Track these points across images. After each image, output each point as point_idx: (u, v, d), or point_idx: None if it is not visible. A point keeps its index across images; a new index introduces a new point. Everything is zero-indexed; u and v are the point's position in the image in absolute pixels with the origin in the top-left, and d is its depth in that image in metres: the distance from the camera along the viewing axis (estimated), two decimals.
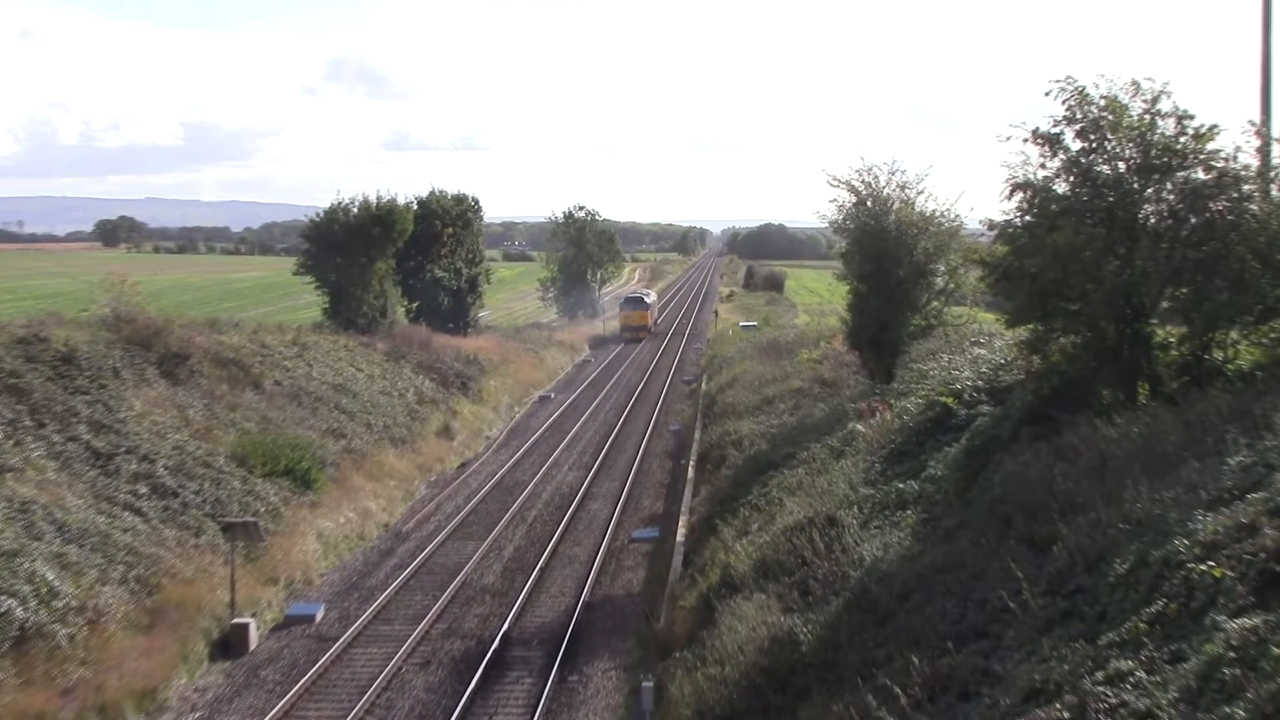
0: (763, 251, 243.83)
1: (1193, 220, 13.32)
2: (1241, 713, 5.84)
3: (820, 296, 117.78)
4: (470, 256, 57.30)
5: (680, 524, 23.86)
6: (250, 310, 75.62)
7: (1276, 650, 6.18)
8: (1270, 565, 7.17)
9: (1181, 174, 13.37)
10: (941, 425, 17.43)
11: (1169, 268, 13.29)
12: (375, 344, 40.15)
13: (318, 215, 45.88)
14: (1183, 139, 13.38)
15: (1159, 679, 6.73)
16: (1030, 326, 15.13)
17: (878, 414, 21.02)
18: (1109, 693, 6.86)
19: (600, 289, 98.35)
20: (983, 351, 20.94)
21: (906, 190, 26.02)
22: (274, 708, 15.76)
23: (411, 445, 32.39)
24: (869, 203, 26.12)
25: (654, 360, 60.40)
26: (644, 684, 14.88)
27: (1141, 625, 7.51)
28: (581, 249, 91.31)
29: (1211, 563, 7.58)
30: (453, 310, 55.39)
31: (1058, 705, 7.12)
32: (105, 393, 23.26)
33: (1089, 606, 8.49)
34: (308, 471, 25.15)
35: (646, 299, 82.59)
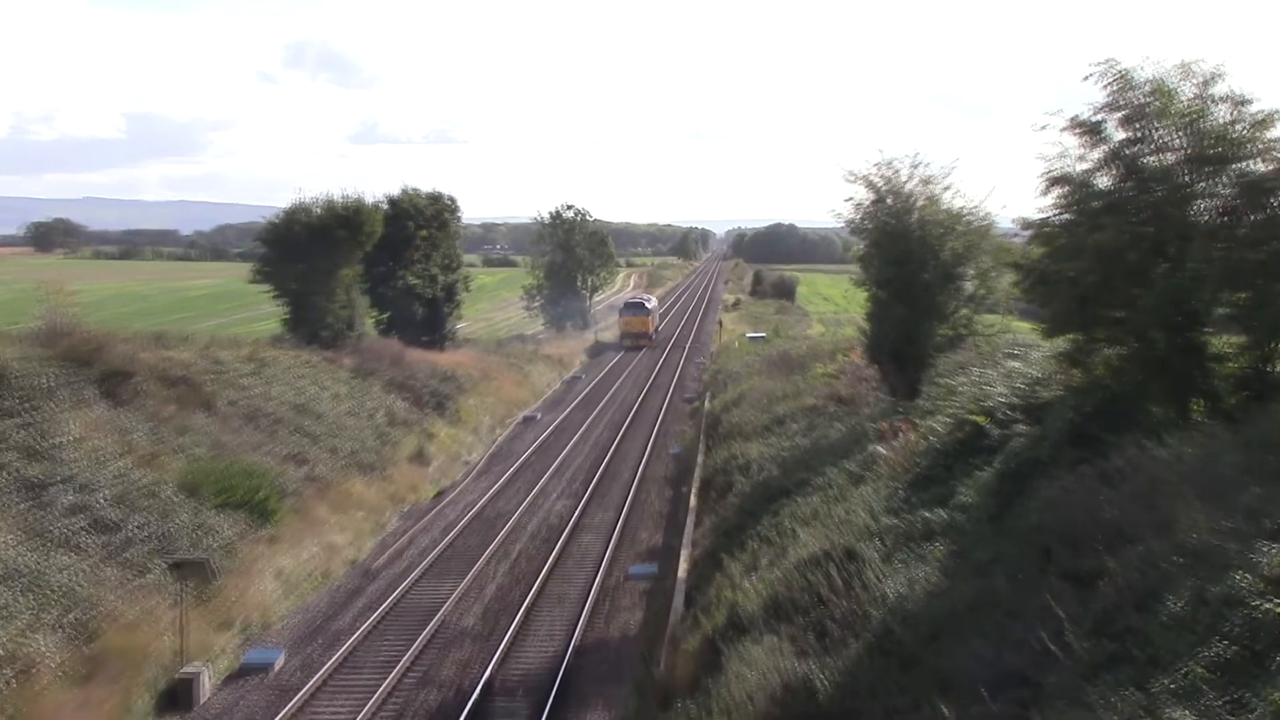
0: (772, 254, 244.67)
1: (1251, 217, 13.31)
2: None
3: (836, 304, 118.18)
4: (447, 261, 57.35)
5: (681, 558, 23.80)
6: (201, 322, 75.59)
7: None
8: None
9: (1238, 165, 13.36)
10: (972, 447, 17.38)
11: (1225, 270, 13.26)
12: (341, 359, 40.17)
13: (276, 216, 45.75)
14: (1239, 127, 13.36)
15: None
16: (1070, 336, 15.12)
17: (901, 435, 21.01)
18: None
19: (591, 297, 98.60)
20: (1018, 364, 20.90)
21: (931, 185, 26.04)
22: None
23: (382, 472, 32.34)
24: (889, 200, 26.13)
25: (651, 376, 60.56)
26: None
27: (1199, 670, 7.46)
28: (570, 253, 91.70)
29: (1277, 599, 7.54)
30: (427, 321, 55.40)
31: None
32: (38, 415, 23.15)
33: (1140, 649, 8.43)
34: (265, 502, 25.05)
35: (647, 304, 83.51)
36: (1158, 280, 13.53)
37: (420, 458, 35.63)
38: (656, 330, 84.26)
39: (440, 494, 33.55)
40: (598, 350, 75.23)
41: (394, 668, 19.23)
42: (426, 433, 38.03)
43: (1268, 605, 7.53)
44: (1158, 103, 13.64)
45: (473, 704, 17.62)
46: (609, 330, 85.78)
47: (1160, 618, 8.51)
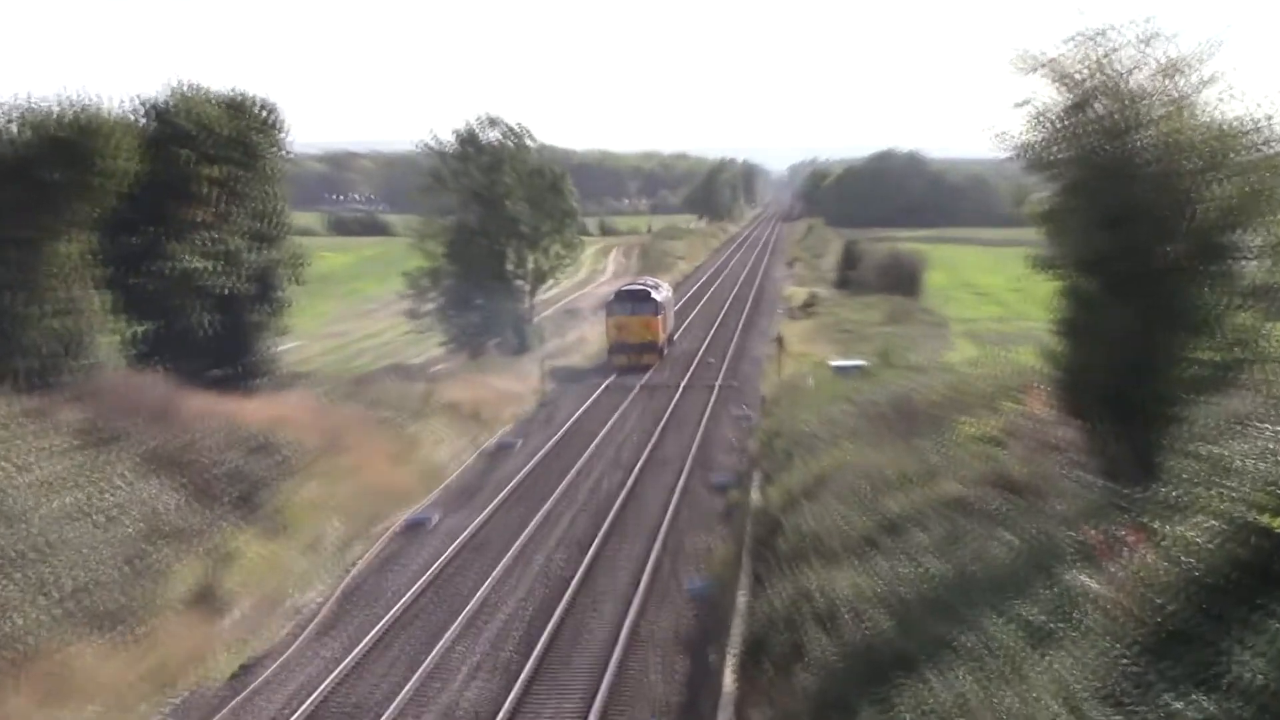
0: (876, 210, 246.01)
1: None
2: None
3: (1000, 304, 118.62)
4: (261, 225, 57.38)
5: None
6: None
7: None
8: None
9: None
10: (1262, 575, 17.36)
11: None
12: (57, 413, 40.10)
13: None
14: None
15: None
16: None
17: (1126, 552, 20.97)
18: None
19: (535, 292, 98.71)
20: None
21: (1177, 78, 26.10)
22: None
23: (134, 628, 32.19)
24: (1099, 104, 26.19)
25: (650, 440, 60.32)
26: None
27: None
28: (495, 209, 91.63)
29: None
30: (223, 340, 55.34)
31: None
32: None
33: None
34: None
35: (654, 294, 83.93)
36: None
37: (208, 600, 35.43)
38: (670, 339, 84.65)
39: (246, 670, 33.30)
40: (550, 388, 74.87)
41: None
42: (220, 552, 37.82)
43: None
44: None
45: None
46: (568, 352, 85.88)
47: None
